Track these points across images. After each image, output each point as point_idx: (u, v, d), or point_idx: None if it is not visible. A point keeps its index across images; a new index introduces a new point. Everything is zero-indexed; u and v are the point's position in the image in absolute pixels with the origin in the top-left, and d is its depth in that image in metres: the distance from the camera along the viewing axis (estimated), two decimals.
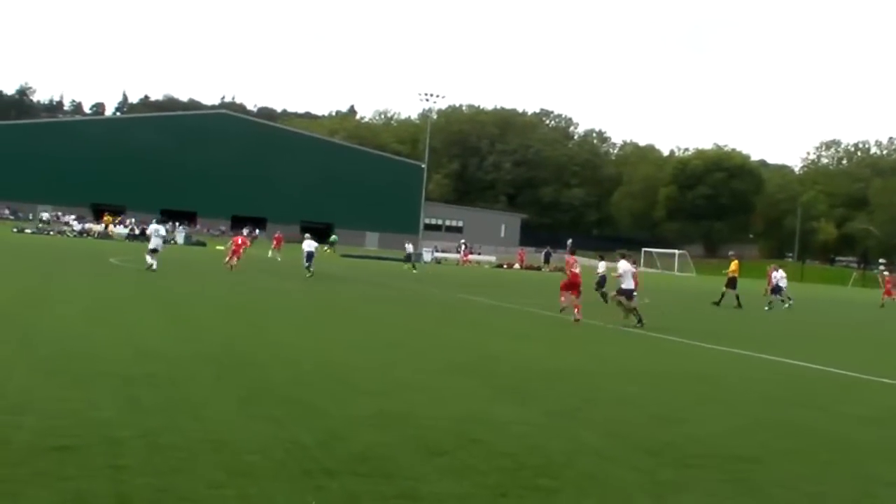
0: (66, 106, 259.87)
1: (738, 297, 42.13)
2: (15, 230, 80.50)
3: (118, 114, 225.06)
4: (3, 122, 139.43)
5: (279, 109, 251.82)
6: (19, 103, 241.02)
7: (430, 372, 14.75)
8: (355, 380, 13.34)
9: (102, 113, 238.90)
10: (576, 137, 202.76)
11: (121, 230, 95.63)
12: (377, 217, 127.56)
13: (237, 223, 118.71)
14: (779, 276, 44.83)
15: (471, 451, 9.10)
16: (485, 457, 8.88)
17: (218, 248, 76.55)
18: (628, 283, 26.42)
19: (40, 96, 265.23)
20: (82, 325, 17.33)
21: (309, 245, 41.73)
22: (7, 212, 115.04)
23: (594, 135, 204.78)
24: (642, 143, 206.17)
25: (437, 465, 8.49)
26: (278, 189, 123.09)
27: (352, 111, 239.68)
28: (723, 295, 42.96)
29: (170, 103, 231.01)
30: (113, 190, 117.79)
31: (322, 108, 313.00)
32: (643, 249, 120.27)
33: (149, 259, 35.35)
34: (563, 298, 26.54)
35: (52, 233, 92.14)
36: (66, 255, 44.70)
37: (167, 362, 13.39)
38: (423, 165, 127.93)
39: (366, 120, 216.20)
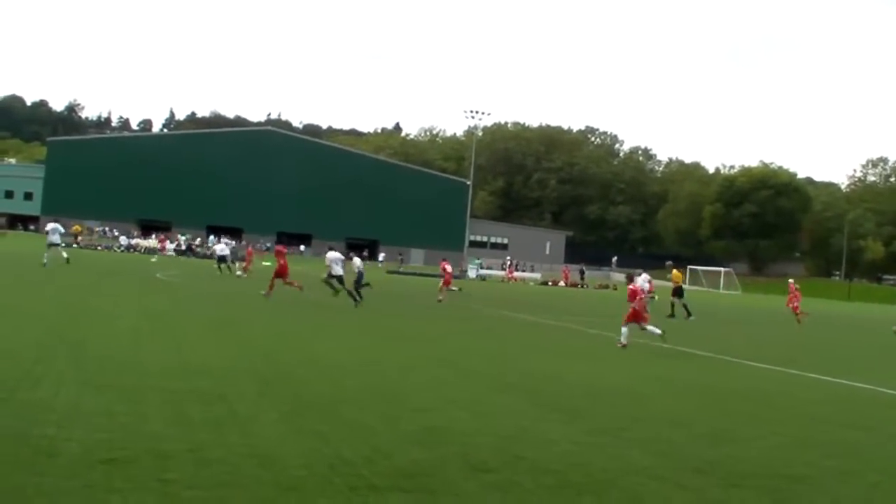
0: (114, 122, 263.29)
1: (686, 307, 42.10)
2: (63, 244, 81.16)
3: (165, 130, 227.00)
4: (53, 139, 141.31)
5: (325, 126, 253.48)
6: (68, 119, 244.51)
7: (476, 389, 14.74)
8: (401, 396, 13.37)
9: (150, 129, 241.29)
10: (621, 155, 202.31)
11: (168, 246, 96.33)
12: (422, 234, 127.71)
13: (283, 239, 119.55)
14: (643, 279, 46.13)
15: (516, 468, 9.09)
16: (530, 474, 8.87)
17: (265, 263, 76.86)
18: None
19: (88, 112, 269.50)
20: (130, 339, 17.45)
21: (358, 264, 37.35)
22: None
23: (639, 152, 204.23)
24: (688, 160, 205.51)
25: (482, 481, 8.48)
26: (324, 205, 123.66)
27: (397, 128, 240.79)
28: (672, 305, 42.65)
29: (216, 120, 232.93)
30: (160, 206, 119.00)
31: (368, 126, 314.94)
32: (689, 267, 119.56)
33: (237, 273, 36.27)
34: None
35: (100, 247, 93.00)
36: (113, 269, 45.09)
37: (214, 377, 13.48)
38: (468, 182, 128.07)
39: (411, 137, 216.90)
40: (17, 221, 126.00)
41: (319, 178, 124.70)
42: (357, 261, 37.66)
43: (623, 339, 23.93)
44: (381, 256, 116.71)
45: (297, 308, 30.43)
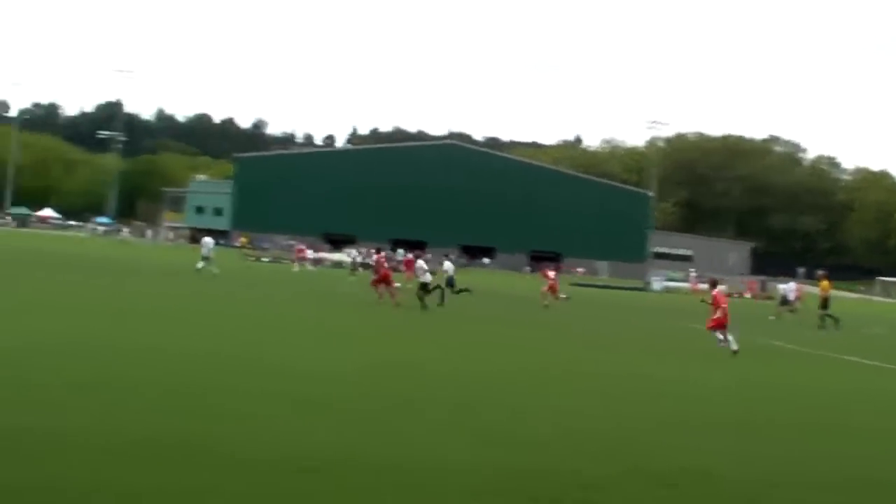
0: (298, 139, 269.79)
1: (829, 317, 40.45)
2: (251, 259, 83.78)
3: (349, 146, 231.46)
4: (240, 155, 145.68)
5: (506, 139, 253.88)
6: (254, 137, 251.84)
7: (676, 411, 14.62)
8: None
9: (333, 145, 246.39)
10: (805, 164, 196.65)
11: (309, 254, 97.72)
12: (605, 246, 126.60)
13: (466, 252, 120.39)
14: (788, 288, 46.36)
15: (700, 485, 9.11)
16: (708, 486, 8.89)
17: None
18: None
19: (273, 130, 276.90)
20: (321, 350, 17.89)
21: (448, 268, 38.01)
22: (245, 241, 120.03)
23: (824, 161, 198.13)
24: (875, 168, 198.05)
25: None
26: (506, 218, 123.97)
27: (577, 140, 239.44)
28: (824, 318, 40.81)
29: (398, 135, 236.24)
30: (344, 220, 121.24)
31: (548, 138, 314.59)
32: (878, 278, 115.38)
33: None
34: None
35: (286, 261, 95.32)
36: (299, 284, 46.15)
37: (404, 391, 13.77)
38: (650, 194, 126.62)
39: (591, 149, 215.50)
40: (208, 236, 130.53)
41: (501, 190, 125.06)
42: (447, 265, 38.40)
43: (733, 345, 23.46)
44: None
45: (440, 319, 30.61)
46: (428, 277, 33.57)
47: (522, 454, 9.89)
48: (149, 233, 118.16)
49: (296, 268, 65.53)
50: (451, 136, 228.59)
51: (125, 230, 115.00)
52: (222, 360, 15.40)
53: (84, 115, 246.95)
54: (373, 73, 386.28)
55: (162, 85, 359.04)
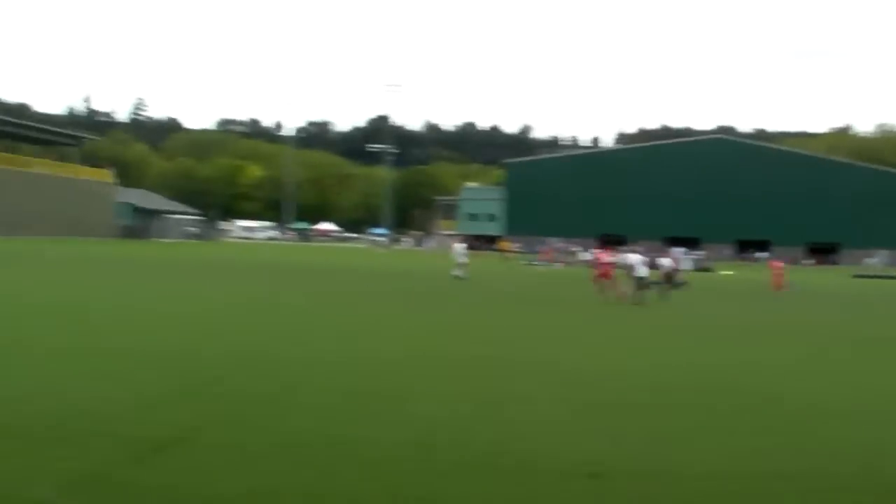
0: (564, 141, 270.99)
1: None
2: (524, 263, 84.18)
3: (616, 145, 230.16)
4: (510, 160, 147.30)
5: (773, 130, 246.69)
6: (520, 141, 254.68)
7: None
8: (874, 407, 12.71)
9: (598, 146, 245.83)
10: None
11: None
12: (886, 235, 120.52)
13: (742, 247, 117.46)
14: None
15: None
16: None
17: (723, 272, 75.94)
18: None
19: (539, 133, 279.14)
20: (601, 353, 17.67)
21: (666, 263, 36.52)
22: (519, 246, 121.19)
23: None
24: None
25: None
26: (780, 211, 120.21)
27: (848, 127, 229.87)
28: None
29: (665, 132, 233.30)
30: (616, 220, 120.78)
31: (817, 126, 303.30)
32: None
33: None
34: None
35: (562, 264, 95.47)
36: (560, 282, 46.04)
37: (688, 391, 13.40)
38: None
39: (865, 135, 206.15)
40: (483, 242, 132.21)
41: (774, 182, 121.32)
42: (633, 257, 33.67)
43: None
44: (873, 260, 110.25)
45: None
46: (644, 271, 31.96)
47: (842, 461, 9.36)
48: (428, 242, 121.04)
49: (541, 267, 67.20)
50: (718, 129, 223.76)
51: (404, 240, 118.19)
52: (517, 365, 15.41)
53: (355, 130, 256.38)
54: (637, 72, 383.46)
55: (427, 96, 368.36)
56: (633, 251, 35.60)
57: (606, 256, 35.17)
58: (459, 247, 47.05)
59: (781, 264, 41.15)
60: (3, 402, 10.42)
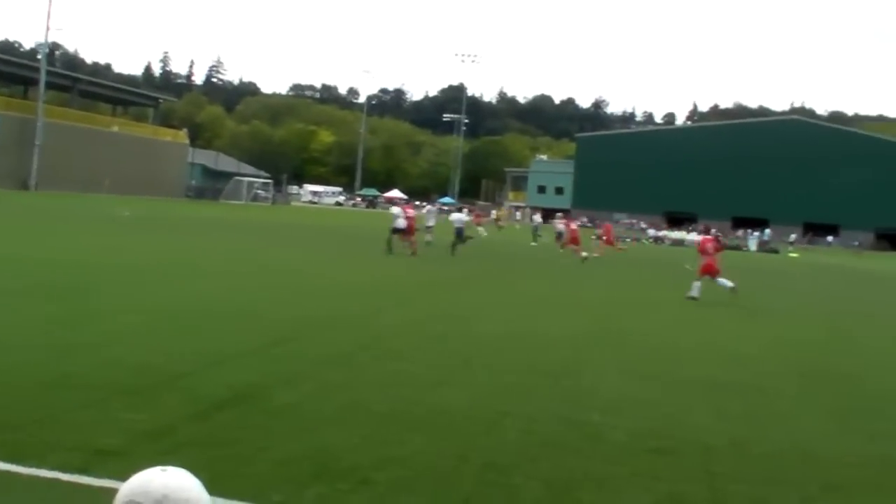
0: (639, 117, 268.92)
1: None
2: (594, 237, 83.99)
3: (689, 123, 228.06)
4: (581, 135, 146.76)
5: (850, 113, 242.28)
6: (594, 116, 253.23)
7: None
8: None
9: (673, 123, 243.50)
10: None
11: (693, 237, 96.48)
12: None
13: (807, 230, 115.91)
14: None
15: None
16: None
17: (791, 254, 75.15)
18: None
19: (614, 108, 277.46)
20: (669, 331, 17.63)
21: (456, 219, 38.32)
22: (585, 219, 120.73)
23: None
24: None
25: None
26: (851, 195, 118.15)
27: None
28: None
29: (739, 111, 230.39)
30: (685, 198, 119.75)
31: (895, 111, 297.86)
32: None
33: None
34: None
35: (628, 240, 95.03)
36: (644, 262, 45.81)
37: (753, 370, 13.33)
38: None
39: None
40: (549, 215, 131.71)
41: (847, 167, 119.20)
42: (455, 216, 38.24)
43: (694, 293, 23.51)
44: None
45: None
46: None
47: (893, 443, 9.26)
48: (518, 215, 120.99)
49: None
50: (794, 110, 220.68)
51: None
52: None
53: (429, 100, 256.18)
54: (712, 49, 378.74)
55: (504, 67, 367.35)
56: (430, 207, 40.56)
57: (410, 211, 36.98)
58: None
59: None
60: (74, 353, 10.64)
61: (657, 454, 8.10)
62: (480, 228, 56.65)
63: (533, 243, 45.64)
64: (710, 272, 24.22)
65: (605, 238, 44.29)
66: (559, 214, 60.67)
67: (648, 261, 46.41)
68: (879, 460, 8.52)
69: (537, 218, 49.27)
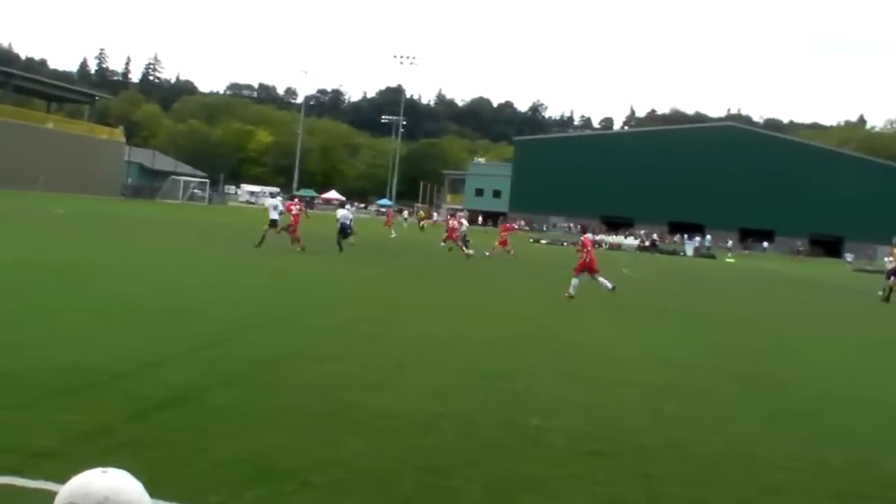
0: (576, 121, 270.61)
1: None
2: (531, 240, 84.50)
3: (626, 128, 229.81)
4: (519, 138, 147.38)
5: (786, 121, 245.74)
6: (533, 119, 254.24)
7: None
8: (889, 401, 12.75)
9: (611, 127, 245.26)
10: None
11: (630, 242, 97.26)
12: (889, 230, 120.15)
13: (744, 235, 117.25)
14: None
15: None
16: None
17: (728, 260, 76.06)
18: None
19: (552, 112, 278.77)
20: (604, 334, 17.74)
21: (341, 215, 38.99)
22: (523, 223, 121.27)
23: None
24: None
25: None
26: (786, 202, 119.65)
27: (861, 121, 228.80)
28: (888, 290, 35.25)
29: (676, 116, 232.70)
30: (622, 202, 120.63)
31: (830, 119, 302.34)
32: None
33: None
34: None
35: (565, 243, 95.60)
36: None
37: (689, 374, 13.45)
38: None
39: (877, 129, 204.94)
40: (488, 218, 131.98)
41: (782, 173, 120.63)
42: (341, 212, 39.23)
43: (571, 290, 24.04)
44: (850, 257, 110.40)
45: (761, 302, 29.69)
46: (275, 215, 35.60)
47: (827, 448, 9.39)
48: (435, 215, 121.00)
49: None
50: (730, 117, 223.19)
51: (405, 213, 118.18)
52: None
53: (367, 101, 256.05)
54: (649, 55, 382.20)
55: (442, 70, 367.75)
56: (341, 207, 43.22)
57: (295, 207, 37.63)
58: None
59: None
60: (8, 352, 10.49)
61: (596, 457, 8.14)
62: (391, 229, 57.61)
63: (442, 244, 46.44)
64: (590, 269, 24.69)
65: (500, 239, 45.47)
66: (450, 211, 64.12)
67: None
68: (814, 463, 8.62)
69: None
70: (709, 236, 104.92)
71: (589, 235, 27.74)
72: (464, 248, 42.15)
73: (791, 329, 22.45)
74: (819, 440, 9.69)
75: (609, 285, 24.63)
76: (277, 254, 31.54)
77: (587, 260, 24.84)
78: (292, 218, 35.52)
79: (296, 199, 46.32)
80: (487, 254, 43.12)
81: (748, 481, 7.84)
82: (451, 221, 47.88)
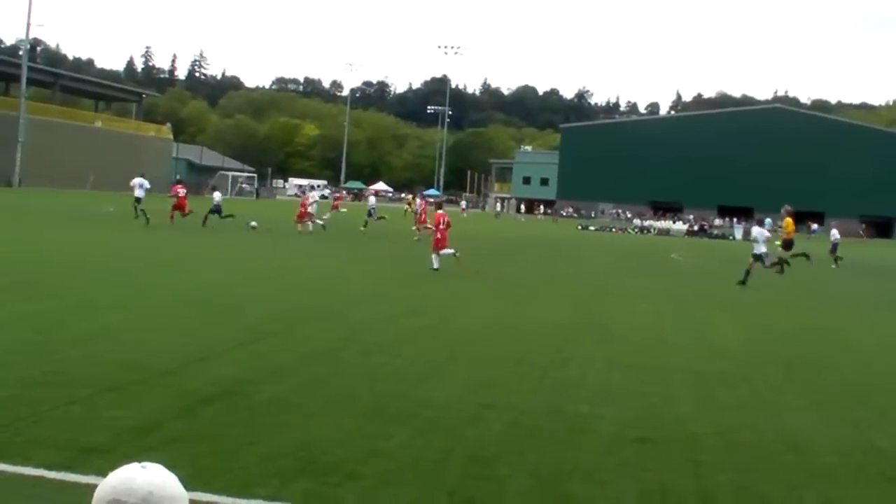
0: (622, 107, 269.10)
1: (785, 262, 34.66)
2: (579, 227, 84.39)
3: (672, 112, 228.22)
4: (566, 125, 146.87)
5: (833, 101, 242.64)
6: (578, 106, 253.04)
7: None
8: None
9: (657, 112, 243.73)
10: None
11: (679, 226, 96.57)
12: None
13: (796, 219, 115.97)
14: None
15: None
16: None
17: (777, 244, 75.19)
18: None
19: (597, 99, 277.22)
20: (654, 320, 17.65)
21: (217, 198, 41.51)
22: (571, 210, 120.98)
23: None
24: None
25: None
26: (835, 182, 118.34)
27: None
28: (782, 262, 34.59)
29: (723, 100, 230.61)
30: (670, 187, 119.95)
31: (879, 98, 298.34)
32: None
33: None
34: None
35: (614, 230, 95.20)
36: (629, 252, 45.91)
37: (736, 361, 13.34)
38: None
39: None
40: (536, 206, 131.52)
41: (830, 154, 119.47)
42: (217, 195, 41.55)
43: (434, 264, 24.98)
44: None
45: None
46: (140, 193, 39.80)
47: (877, 431, 9.28)
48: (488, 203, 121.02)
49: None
50: (777, 99, 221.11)
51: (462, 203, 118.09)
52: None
53: (413, 92, 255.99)
54: (694, 39, 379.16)
55: (487, 59, 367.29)
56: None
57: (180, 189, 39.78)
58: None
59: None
60: (59, 350, 10.61)
61: (644, 444, 8.11)
62: (344, 209, 56.78)
63: (362, 228, 45.27)
64: (441, 245, 25.21)
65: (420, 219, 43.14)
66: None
67: (634, 249, 46.50)
68: (863, 447, 8.53)
69: (372, 200, 51.99)
70: (768, 220, 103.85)
71: (440, 211, 27.34)
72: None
73: (839, 315, 22.22)
74: (869, 424, 9.58)
75: (436, 265, 25.16)
76: (328, 243, 31.65)
77: (440, 237, 25.80)
78: (178, 200, 38.59)
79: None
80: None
81: (797, 466, 7.78)
82: (422, 204, 45.15)
